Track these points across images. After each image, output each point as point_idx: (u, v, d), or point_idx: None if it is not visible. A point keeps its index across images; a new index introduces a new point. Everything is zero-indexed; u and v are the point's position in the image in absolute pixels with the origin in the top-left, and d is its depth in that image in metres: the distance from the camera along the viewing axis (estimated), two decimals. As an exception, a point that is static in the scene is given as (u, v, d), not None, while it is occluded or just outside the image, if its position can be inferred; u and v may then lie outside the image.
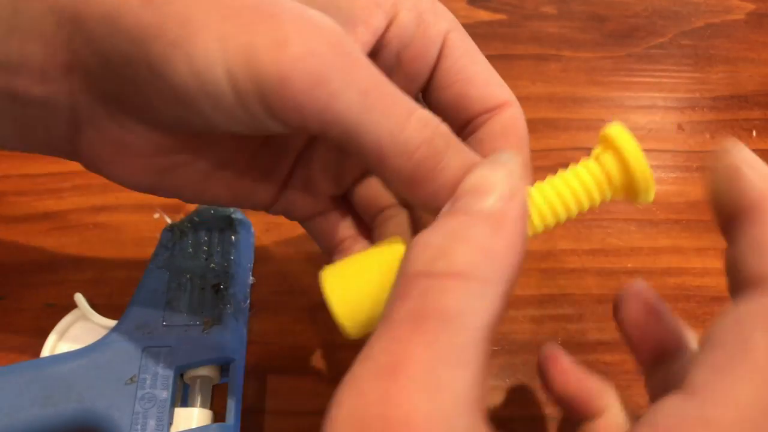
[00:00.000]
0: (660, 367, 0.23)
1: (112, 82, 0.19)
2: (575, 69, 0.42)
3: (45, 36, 0.19)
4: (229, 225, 0.31)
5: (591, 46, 0.43)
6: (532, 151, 0.38)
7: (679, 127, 0.39)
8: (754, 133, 0.39)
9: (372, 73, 0.18)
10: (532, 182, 0.21)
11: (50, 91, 0.20)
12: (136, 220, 0.34)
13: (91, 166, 0.22)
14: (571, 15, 0.45)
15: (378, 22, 0.21)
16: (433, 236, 0.17)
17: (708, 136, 0.39)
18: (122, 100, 0.20)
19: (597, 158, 0.20)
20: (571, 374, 0.24)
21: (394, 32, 0.22)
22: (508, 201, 0.17)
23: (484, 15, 0.45)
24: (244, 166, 0.23)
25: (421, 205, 0.20)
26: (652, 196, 0.20)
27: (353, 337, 0.21)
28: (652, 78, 0.42)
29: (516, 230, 0.17)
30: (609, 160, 0.20)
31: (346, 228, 0.25)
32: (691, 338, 0.23)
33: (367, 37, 0.21)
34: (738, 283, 0.17)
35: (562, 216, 0.20)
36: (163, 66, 0.18)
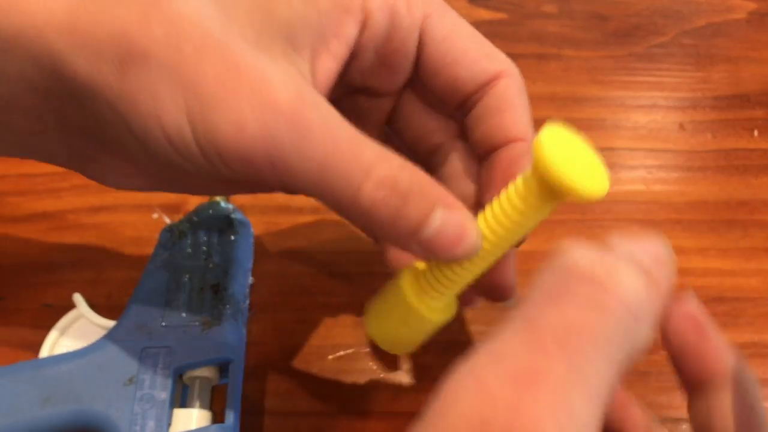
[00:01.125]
0: (703, 394, 0.21)
1: (98, 132, 0.20)
2: (576, 68, 0.42)
3: (33, 84, 0.20)
4: (228, 225, 0.30)
5: (592, 45, 0.43)
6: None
7: (681, 126, 0.39)
8: (755, 132, 0.39)
9: (329, 141, 0.18)
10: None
11: (43, 129, 0.21)
12: (135, 220, 0.33)
13: (91, 177, 0.23)
14: (572, 14, 0.45)
15: (350, 31, 0.21)
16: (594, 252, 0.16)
17: (710, 135, 0.39)
18: (110, 147, 0.21)
19: (523, 175, 0.20)
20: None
21: (368, 35, 0.22)
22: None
23: (484, 14, 0.45)
24: None
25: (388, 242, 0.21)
26: (591, 190, 0.18)
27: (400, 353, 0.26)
28: (653, 77, 0.42)
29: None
30: (528, 173, 0.19)
31: None
32: (734, 363, 0.21)
33: (341, 49, 0.21)
34: None
35: (506, 238, 0.20)
36: (140, 132, 0.19)
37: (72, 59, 0.19)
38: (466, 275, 0.21)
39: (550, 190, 0.19)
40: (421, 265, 0.23)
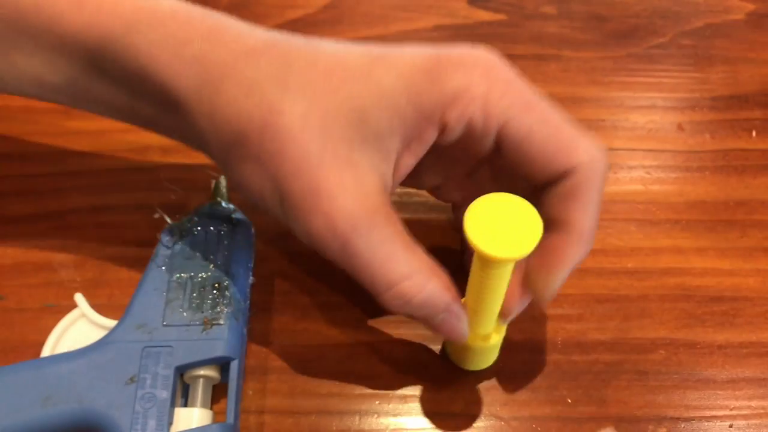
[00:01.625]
0: None
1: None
2: (575, 69, 0.42)
3: (180, 134, 0.27)
4: (229, 225, 0.31)
5: (591, 46, 0.43)
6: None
7: (679, 126, 0.39)
8: (753, 133, 0.39)
9: (366, 263, 0.24)
10: None
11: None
12: (136, 221, 0.34)
13: None
14: (571, 15, 0.45)
15: (429, 136, 0.25)
16: None
17: (708, 136, 0.39)
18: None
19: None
20: None
21: (445, 138, 0.25)
22: None
23: (484, 15, 0.45)
24: None
25: None
26: (511, 255, 0.22)
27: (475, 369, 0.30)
28: (652, 78, 0.42)
29: None
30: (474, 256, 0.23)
31: None
32: None
33: (420, 149, 0.25)
34: None
35: (485, 297, 0.25)
36: (246, 195, 0.26)
37: (208, 138, 0.25)
38: (476, 321, 0.27)
39: (481, 260, 0.23)
40: None
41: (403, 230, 0.25)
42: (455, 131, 0.25)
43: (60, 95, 0.27)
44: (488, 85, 0.24)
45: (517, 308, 0.27)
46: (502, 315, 0.27)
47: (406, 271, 0.24)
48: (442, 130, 0.25)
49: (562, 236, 0.25)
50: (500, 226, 0.22)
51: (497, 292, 0.25)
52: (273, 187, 0.24)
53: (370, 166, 0.24)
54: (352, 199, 0.24)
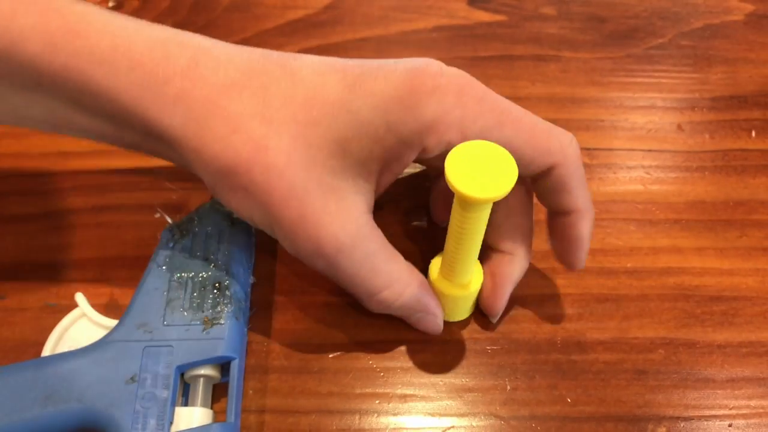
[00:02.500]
0: None
1: None
2: (575, 70, 0.42)
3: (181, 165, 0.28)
4: (229, 224, 0.31)
5: (590, 46, 0.43)
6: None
7: (679, 127, 0.40)
8: (753, 133, 0.39)
9: (351, 276, 0.27)
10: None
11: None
12: (137, 220, 0.34)
13: None
14: (570, 16, 0.45)
15: (408, 158, 0.27)
16: None
17: (707, 136, 0.39)
18: None
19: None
20: None
21: (425, 155, 0.27)
22: None
23: (483, 16, 0.45)
24: None
25: None
26: (487, 195, 0.23)
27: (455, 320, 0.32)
28: (651, 78, 0.42)
29: None
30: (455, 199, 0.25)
31: None
32: None
33: (399, 168, 0.27)
34: None
35: (462, 239, 0.26)
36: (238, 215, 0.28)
37: (196, 167, 0.26)
38: (456, 269, 0.28)
39: (461, 203, 0.24)
40: (438, 259, 0.30)
41: (384, 243, 0.28)
42: (434, 152, 0.26)
43: (40, 125, 0.27)
44: (462, 109, 0.25)
45: (502, 303, 0.31)
46: (491, 316, 0.31)
47: (386, 281, 0.28)
48: (422, 152, 0.26)
49: (571, 219, 0.28)
50: (479, 170, 0.23)
51: (476, 236, 0.26)
52: (262, 214, 0.26)
53: (353, 191, 0.26)
54: (336, 224, 0.26)
